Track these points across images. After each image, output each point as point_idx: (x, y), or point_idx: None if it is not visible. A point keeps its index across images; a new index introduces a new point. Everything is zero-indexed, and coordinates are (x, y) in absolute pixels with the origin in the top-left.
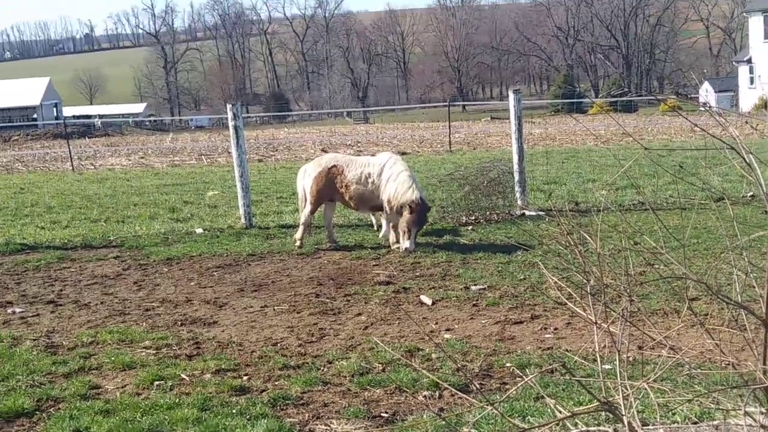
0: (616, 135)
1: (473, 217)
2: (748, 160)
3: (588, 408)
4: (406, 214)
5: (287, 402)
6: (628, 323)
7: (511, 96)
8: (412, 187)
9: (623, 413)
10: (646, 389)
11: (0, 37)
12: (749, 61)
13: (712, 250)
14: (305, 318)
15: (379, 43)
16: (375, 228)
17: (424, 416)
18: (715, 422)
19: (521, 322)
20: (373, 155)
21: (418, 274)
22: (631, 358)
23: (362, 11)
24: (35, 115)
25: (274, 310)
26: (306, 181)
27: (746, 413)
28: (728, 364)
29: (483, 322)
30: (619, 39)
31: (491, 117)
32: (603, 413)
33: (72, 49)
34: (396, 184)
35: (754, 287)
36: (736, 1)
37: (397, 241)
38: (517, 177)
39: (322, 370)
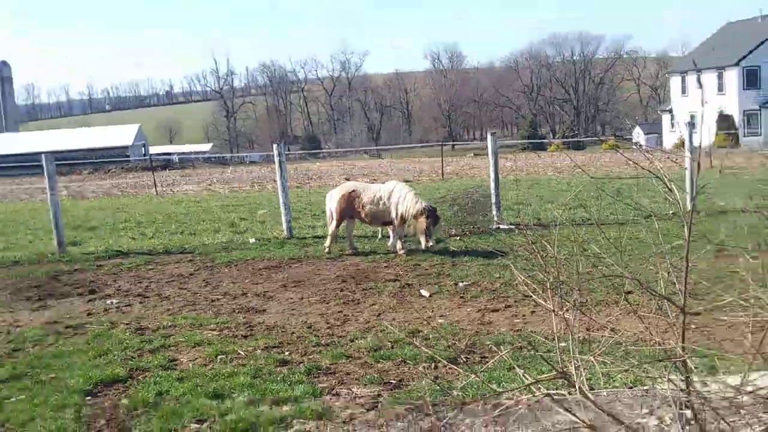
0: (569, 167)
1: (460, 230)
2: (670, 186)
3: (548, 376)
4: (422, 220)
5: (319, 371)
6: (578, 311)
7: (489, 138)
8: (419, 201)
9: (575, 380)
10: (592, 362)
11: (103, 93)
12: (670, 111)
13: (642, 255)
14: (332, 307)
15: (388, 97)
16: (379, 237)
17: (423, 383)
18: (645, 387)
19: (497, 310)
20: (383, 183)
21: (418, 273)
22: (581, 338)
23: (376, 73)
24: (128, 153)
25: (308, 301)
26: (332, 203)
27: (669, 380)
28: (655, 343)
29: (468, 310)
30: (570, 94)
31: (474, 154)
32: (560, 380)
33: (156, 103)
34: (406, 202)
35: (674, 283)
36: (660, 64)
37: (403, 248)
38: (493, 199)
39: (346, 347)
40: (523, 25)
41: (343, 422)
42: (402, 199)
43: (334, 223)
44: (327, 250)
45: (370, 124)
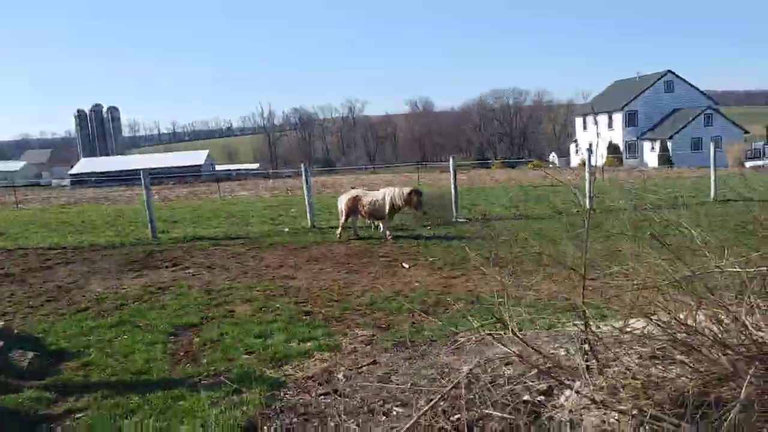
0: (505, 179)
1: (431, 222)
2: (574, 192)
3: (490, 322)
4: (414, 197)
5: (332, 319)
6: (511, 277)
7: (450, 160)
8: (403, 189)
9: (509, 324)
10: (521, 312)
11: (183, 128)
12: (576, 141)
13: (556, 239)
14: (341, 275)
15: (381, 131)
16: (373, 228)
17: (404, 326)
18: (557, 329)
19: (455, 277)
20: (377, 191)
21: (402, 251)
22: (513, 296)
23: (373, 115)
24: (200, 170)
25: (325, 271)
26: (342, 204)
27: (574, 324)
28: (564, 299)
29: (435, 277)
30: (506, 129)
31: (440, 170)
32: (498, 324)
33: (221, 135)
34: (395, 196)
35: (579, 257)
36: (568, 109)
37: (390, 235)
38: (453, 201)
39: (351, 302)
40: (473, 82)
41: (349, 353)
42: (393, 196)
43: (343, 217)
44: (338, 236)
45: (369, 150)
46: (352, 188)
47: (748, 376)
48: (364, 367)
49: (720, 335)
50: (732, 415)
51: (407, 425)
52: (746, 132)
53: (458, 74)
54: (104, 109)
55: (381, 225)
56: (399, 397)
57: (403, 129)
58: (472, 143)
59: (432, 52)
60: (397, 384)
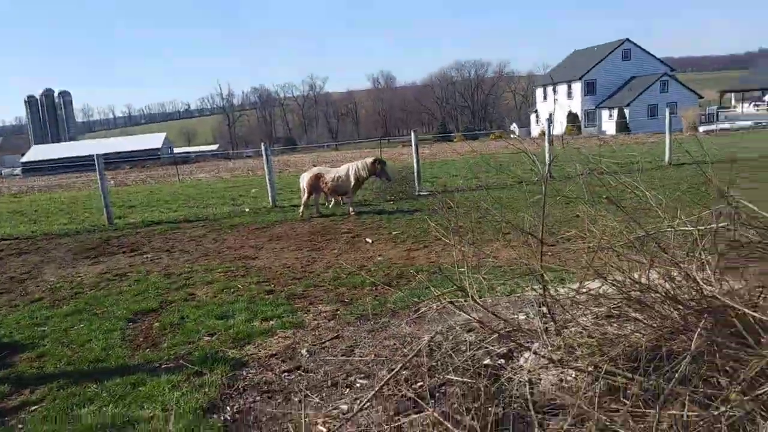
0: (468, 152)
1: (393, 196)
2: (533, 160)
3: (451, 290)
4: (378, 165)
5: (295, 296)
6: (471, 246)
7: (412, 134)
8: (366, 159)
9: (469, 292)
10: (481, 279)
11: (140, 111)
12: (536, 111)
13: (516, 207)
14: (304, 253)
15: (343, 107)
16: (330, 205)
17: (367, 300)
18: (517, 294)
19: (418, 250)
20: (339, 168)
21: (364, 227)
22: (473, 264)
23: (334, 91)
24: (158, 153)
25: (287, 249)
26: (304, 182)
27: (532, 288)
28: (523, 264)
29: (398, 250)
30: (468, 102)
31: (402, 145)
32: (459, 293)
33: (178, 117)
34: (359, 168)
35: (536, 225)
36: (529, 80)
37: (353, 210)
38: (415, 174)
39: (314, 279)
40: (435, 55)
41: (312, 329)
42: (357, 168)
43: (305, 196)
44: (300, 214)
45: (330, 127)
46: (314, 166)
47: (699, 329)
48: (327, 342)
49: (672, 291)
50: (683, 366)
51: (369, 395)
52: (701, 97)
53: (420, 47)
54: (56, 94)
55: (344, 201)
56: (362, 369)
57: (365, 105)
58: (434, 117)
59: (394, 24)
60: (360, 356)
